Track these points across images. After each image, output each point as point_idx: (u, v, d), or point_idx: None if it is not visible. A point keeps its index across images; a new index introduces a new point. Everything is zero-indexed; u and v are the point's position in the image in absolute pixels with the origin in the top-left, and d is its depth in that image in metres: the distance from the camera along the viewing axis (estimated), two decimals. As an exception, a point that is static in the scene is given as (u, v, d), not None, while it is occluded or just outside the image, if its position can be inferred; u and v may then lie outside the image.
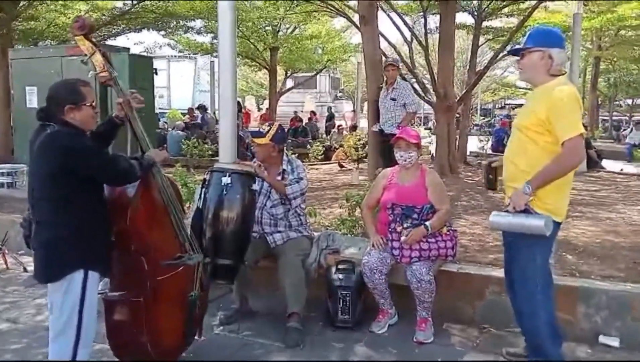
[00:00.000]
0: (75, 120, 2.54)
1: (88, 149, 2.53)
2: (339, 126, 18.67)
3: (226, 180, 3.34)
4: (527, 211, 2.76)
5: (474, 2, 12.95)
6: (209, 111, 17.85)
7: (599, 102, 30.23)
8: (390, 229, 3.57)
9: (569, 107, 2.69)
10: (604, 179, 9.77)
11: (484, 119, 34.57)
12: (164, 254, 2.87)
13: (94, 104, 2.61)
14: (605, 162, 11.95)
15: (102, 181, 2.64)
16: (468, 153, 13.23)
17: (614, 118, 33.49)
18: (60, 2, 13.74)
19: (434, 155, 10.22)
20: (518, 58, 2.97)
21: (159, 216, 2.88)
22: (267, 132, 3.84)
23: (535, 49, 2.83)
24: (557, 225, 2.90)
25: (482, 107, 39.27)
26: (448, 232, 3.63)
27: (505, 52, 3.28)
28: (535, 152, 2.80)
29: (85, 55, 2.77)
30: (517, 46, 3.03)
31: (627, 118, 33.78)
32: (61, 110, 2.53)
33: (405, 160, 3.64)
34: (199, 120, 16.42)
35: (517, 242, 2.91)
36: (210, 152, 11.20)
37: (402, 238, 3.47)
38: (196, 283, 3.06)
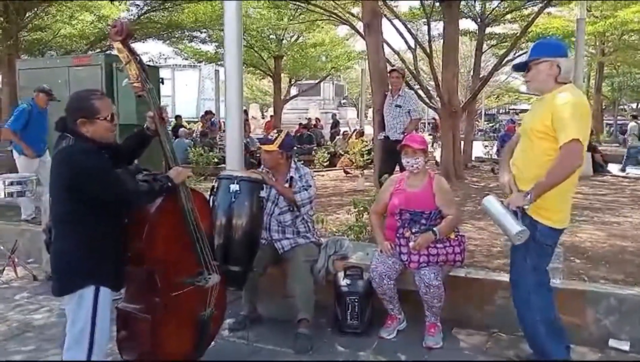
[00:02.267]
0: (89, 133, 2.51)
1: (94, 169, 2.45)
2: (344, 132, 18.70)
3: (234, 187, 3.37)
4: (516, 213, 2.82)
5: (477, 8, 13.00)
6: (214, 118, 17.90)
7: (604, 107, 30.20)
8: (398, 235, 3.58)
9: (571, 113, 2.72)
10: (610, 183, 9.75)
11: (488, 124, 34.53)
12: (178, 272, 2.85)
13: (109, 117, 2.55)
14: (610, 166, 11.93)
15: (106, 200, 2.54)
16: (473, 158, 13.24)
17: (619, 122, 33.41)
18: (66, 12, 13.87)
19: (439, 161, 10.24)
20: (524, 72, 3.02)
21: (176, 235, 2.81)
22: (275, 139, 3.86)
23: (543, 60, 2.88)
24: (558, 232, 2.95)
25: (486, 113, 39.25)
26: (456, 238, 3.64)
27: (511, 67, 3.32)
28: (540, 158, 2.83)
29: (121, 62, 2.70)
30: (519, 60, 3.07)
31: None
32: (74, 123, 2.51)
33: (412, 166, 3.67)
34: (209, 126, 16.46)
35: (513, 245, 2.97)
36: (216, 160, 11.24)
37: (411, 244, 3.48)
38: (210, 302, 3.02)
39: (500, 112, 43.06)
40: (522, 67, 3.01)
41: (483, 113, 38.16)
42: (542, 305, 2.95)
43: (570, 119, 2.70)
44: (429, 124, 33.08)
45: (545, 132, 2.79)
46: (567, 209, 2.98)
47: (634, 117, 14.67)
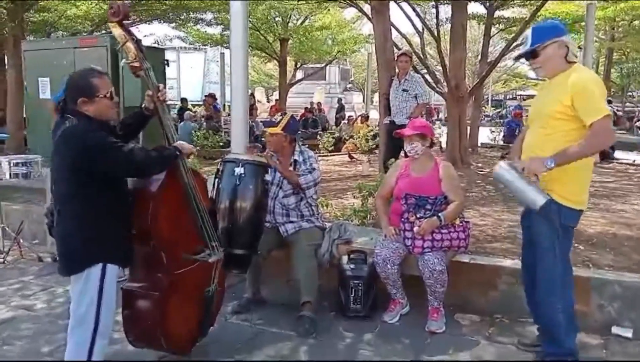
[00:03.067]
0: (90, 112, 2.51)
1: (102, 145, 2.46)
2: (349, 117, 18.62)
3: (239, 170, 3.36)
4: (534, 183, 2.73)
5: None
6: (218, 101, 17.83)
7: (612, 93, 29.91)
8: (403, 219, 3.57)
9: (592, 91, 2.70)
10: (617, 170, 9.67)
11: (495, 110, 34.31)
12: (184, 249, 2.87)
13: (109, 94, 2.56)
14: (618, 153, 11.81)
15: (120, 176, 2.61)
16: (479, 144, 13.16)
17: (627, 109, 33.11)
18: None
19: (443, 147, 10.19)
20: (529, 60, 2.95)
21: (181, 212, 2.83)
22: (280, 122, 3.86)
23: (549, 42, 2.82)
24: (578, 213, 2.90)
25: (493, 98, 38.98)
26: (461, 223, 3.64)
27: (515, 57, 3.24)
28: (560, 139, 2.75)
29: (119, 42, 2.71)
30: (523, 50, 2.93)
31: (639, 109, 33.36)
32: (75, 103, 2.51)
33: (410, 152, 3.68)
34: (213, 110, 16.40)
35: (538, 228, 2.91)
36: (221, 144, 11.23)
37: (415, 229, 3.48)
38: (214, 279, 3.06)
39: (508, 97, 42.71)
40: (527, 55, 2.93)
41: (490, 99, 37.90)
42: (565, 294, 2.94)
43: (597, 96, 2.69)
44: (435, 108, 32.97)
45: (564, 112, 2.74)
46: (587, 191, 2.96)
47: None
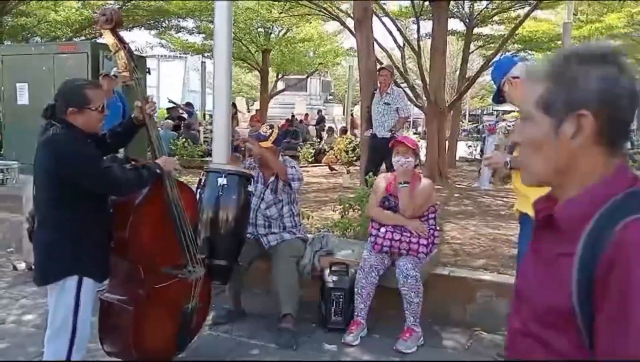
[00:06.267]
0: (77, 123, 2.47)
1: (82, 157, 2.44)
2: (329, 128, 18.69)
3: (222, 181, 3.36)
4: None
5: (466, 9, 13.07)
6: (195, 110, 17.68)
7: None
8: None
9: None
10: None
11: (472, 124, 34.80)
12: (163, 263, 2.84)
13: (100, 108, 2.53)
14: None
15: (95, 191, 2.53)
16: (457, 158, 13.33)
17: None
18: (51, -1, 13.66)
19: (422, 160, 10.29)
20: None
21: (162, 227, 2.79)
22: (270, 135, 3.87)
23: (503, 81, 3.04)
24: None
25: (470, 113, 39.53)
26: (429, 230, 3.64)
27: (492, 101, 3.61)
28: None
29: (110, 51, 2.70)
30: (492, 95, 3.31)
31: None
32: (64, 111, 2.47)
33: (402, 165, 3.65)
34: (186, 118, 16.28)
35: (525, 244, 3.00)
36: (200, 153, 11.17)
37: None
38: (194, 296, 3.00)
39: (484, 112, 43.37)
40: (497, 97, 3.17)
41: (467, 113, 38.40)
42: None
43: None
44: (413, 122, 33.29)
45: None
46: None
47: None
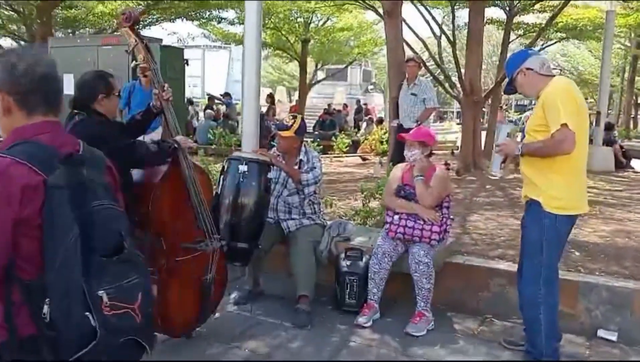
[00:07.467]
0: (102, 109, 2.83)
1: (112, 136, 2.76)
2: (368, 118, 18.75)
3: (243, 168, 3.55)
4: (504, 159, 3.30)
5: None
6: (233, 100, 18.02)
7: (638, 101, 29.44)
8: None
9: (553, 99, 2.91)
10: (631, 179, 9.63)
11: (519, 115, 34.03)
12: (183, 237, 3.07)
13: (118, 93, 2.91)
14: (634, 162, 11.70)
15: (122, 164, 2.82)
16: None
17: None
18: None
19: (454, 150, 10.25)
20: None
21: (180, 202, 3.04)
22: (292, 125, 4.03)
23: (516, 72, 3.13)
24: (567, 218, 3.06)
25: (518, 103, 38.65)
26: (442, 217, 3.74)
27: (504, 91, 3.64)
28: None
29: (129, 45, 3.02)
30: (504, 85, 3.44)
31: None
32: (94, 99, 2.81)
33: (409, 158, 3.83)
34: (224, 109, 16.66)
35: (529, 229, 3.14)
36: (238, 142, 11.44)
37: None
38: (211, 268, 3.22)
39: (533, 103, 42.24)
40: (509, 87, 3.27)
41: (514, 104, 37.56)
42: (549, 299, 3.08)
43: (556, 106, 2.89)
44: (457, 112, 32.76)
45: (542, 123, 2.99)
46: (570, 198, 3.05)
47: None
